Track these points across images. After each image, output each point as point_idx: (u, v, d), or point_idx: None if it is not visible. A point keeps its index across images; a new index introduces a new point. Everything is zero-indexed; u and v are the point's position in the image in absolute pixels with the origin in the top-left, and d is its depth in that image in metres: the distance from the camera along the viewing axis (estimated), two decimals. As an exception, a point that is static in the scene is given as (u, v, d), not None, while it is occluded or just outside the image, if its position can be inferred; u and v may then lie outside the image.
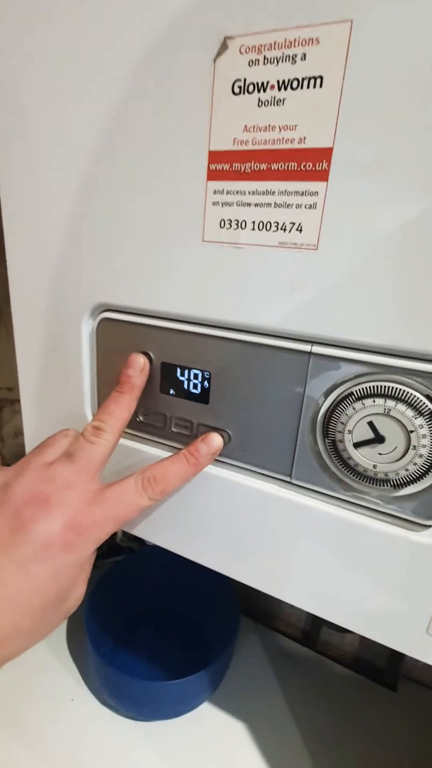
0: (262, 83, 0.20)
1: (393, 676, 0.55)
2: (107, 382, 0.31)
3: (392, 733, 0.50)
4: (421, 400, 0.22)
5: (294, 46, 0.19)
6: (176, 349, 0.27)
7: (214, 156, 0.22)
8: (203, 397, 0.27)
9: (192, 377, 0.27)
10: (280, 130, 0.21)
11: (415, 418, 0.22)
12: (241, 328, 0.25)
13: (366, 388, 0.23)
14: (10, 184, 0.29)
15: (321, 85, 0.19)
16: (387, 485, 0.24)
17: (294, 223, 0.22)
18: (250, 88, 0.21)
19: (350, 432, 0.24)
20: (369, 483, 0.24)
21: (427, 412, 0.22)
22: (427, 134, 0.18)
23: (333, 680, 0.56)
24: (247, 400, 0.26)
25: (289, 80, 0.20)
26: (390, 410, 0.22)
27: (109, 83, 0.24)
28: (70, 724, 0.49)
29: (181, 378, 0.28)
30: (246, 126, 0.21)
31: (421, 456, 0.22)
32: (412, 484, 0.23)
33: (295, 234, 0.22)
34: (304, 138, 0.20)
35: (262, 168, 0.22)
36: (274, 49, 0.20)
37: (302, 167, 0.21)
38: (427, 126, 0.18)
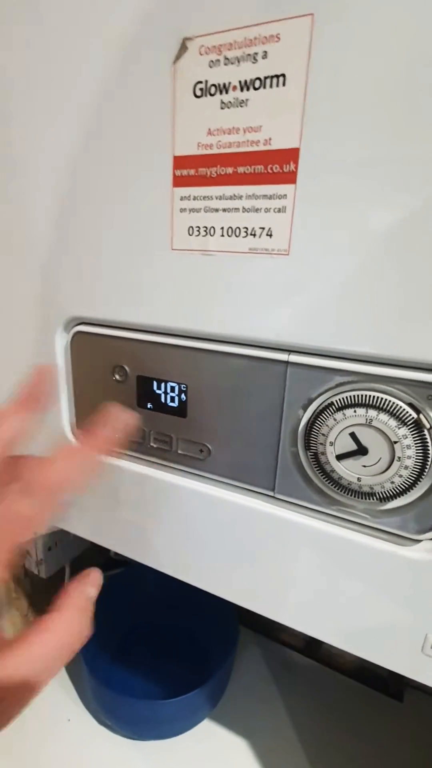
0: (224, 84, 0.20)
1: (399, 686, 0.54)
2: (84, 396, 0.30)
3: (399, 745, 0.48)
4: (403, 409, 0.21)
5: (254, 44, 0.18)
6: (152, 361, 0.26)
7: (179, 161, 0.21)
8: (181, 410, 0.26)
9: (168, 390, 0.26)
10: (244, 132, 0.20)
11: (399, 428, 0.21)
12: (215, 338, 0.24)
13: (346, 397, 0.22)
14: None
15: (284, 84, 0.18)
16: (373, 498, 0.23)
17: (263, 228, 0.21)
18: (212, 90, 0.20)
19: (332, 444, 0.22)
20: (354, 496, 0.23)
21: (410, 422, 0.21)
22: (397, 131, 0.17)
23: (337, 691, 0.54)
24: (226, 413, 0.25)
25: (251, 80, 0.19)
26: (372, 420, 0.21)
27: (70, 93, 0.23)
28: (67, 745, 0.48)
29: (158, 391, 0.27)
30: (210, 129, 0.20)
31: (406, 468, 0.21)
32: (399, 497, 0.22)
33: (265, 239, 0.21)
34: (270, 139, 0.19)
35: (228, 172, 0.21)
36: (234, 48, 0.19)
37: (269, 170, 0.20)
38: (397, 123, 0.17)
